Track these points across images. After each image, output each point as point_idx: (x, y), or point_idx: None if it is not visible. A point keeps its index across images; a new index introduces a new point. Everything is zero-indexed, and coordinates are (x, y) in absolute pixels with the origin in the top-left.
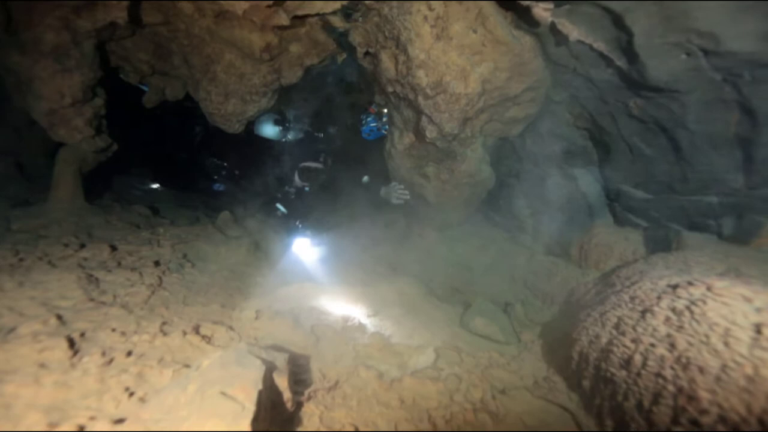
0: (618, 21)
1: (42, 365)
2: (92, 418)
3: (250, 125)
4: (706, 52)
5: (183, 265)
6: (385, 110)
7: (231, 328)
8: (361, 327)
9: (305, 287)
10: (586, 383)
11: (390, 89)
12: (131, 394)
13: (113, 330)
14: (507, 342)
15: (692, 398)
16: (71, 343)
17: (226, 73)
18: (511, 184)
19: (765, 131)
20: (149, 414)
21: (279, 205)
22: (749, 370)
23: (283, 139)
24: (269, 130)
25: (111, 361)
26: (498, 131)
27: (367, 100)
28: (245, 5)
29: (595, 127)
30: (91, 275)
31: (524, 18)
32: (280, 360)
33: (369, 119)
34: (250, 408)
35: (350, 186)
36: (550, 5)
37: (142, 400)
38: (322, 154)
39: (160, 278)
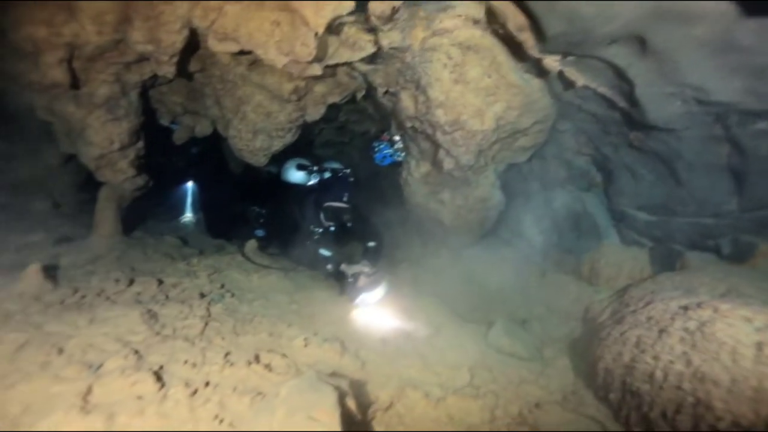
0: (620, 73)
1: (139, 397)
2: None
3: (279, 172)
4: (698, 101)
5: (224, 295)
6: (397, 137)
7: (285, 355)
8: (398, 349)
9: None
10: (612, 396)
11: (408, 124)
12: (221, 421)
13: (185, 362)
14: (531, 359)
15: (709, 407)
16: (157, 376)
17: (255, 112)
18: (519, 205)
19: (752, 162)
20: None
21: (322, 250)
22: (754, 382)
23: (308, 183)
24: (295, 176)
25: (195, 392)
26: (507, 158)
27: (379, 128)
28: (285, 60)
29: (598, 155)
30: (150, 310)
31: (534, 65)
32: (344, 385)
33: (382, 146)
34: (337, 428)
35: (372, 219)
36: (558, 57)
37: (232, 425)
38: (346, 193)
39: (207, 309)
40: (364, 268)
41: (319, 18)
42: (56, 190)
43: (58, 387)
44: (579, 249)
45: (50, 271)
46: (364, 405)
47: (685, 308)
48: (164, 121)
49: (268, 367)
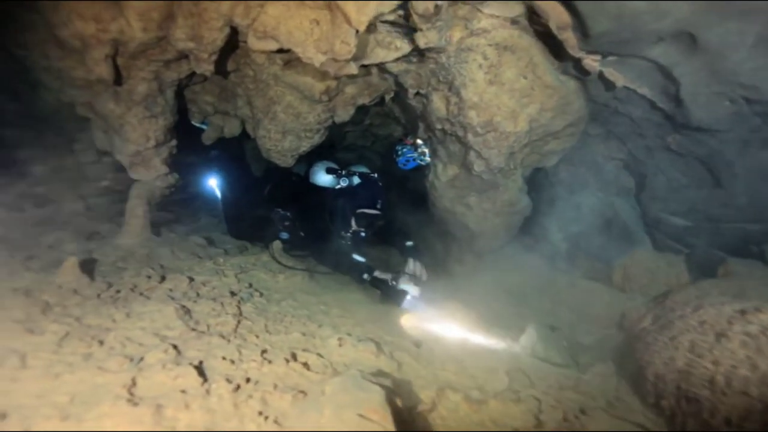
0: (665, 72)
1: (183, 391)
2: None
3: (307, 174)
4: (748, 101)
5: (252, 294)
6: (420, 141)
7: (320, 355)
8: (432, 352)
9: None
10: (665, 403)
11: (438, 126)
12: (266, 418)
13: (223, 358)
14: (566, 365)
15: None
16: (198, 371)
17: (285, 112)
18: (545, 210)
19: None
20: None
21: (356, 255)
22: None
23: (337, 186)
24: (323, 179)
25: (238, 387)
26: (535, 162)
27: (403, 132)
28: (323, 58)
29: (630, 159)
30: (183, 306)
31: (573, 66)
32: (387, 384)
33: (405, 150)
34: (391, 428)
35: (399, 222)
36: (599, 57)
37: (277, 422)
38: (379, 200)
39: (238, 307)
40: (408, 271)
41: (361, 15)
42: (86, 188)
43: (102, 378)
44: (609, 255)
45: (86, 266)
46: (408, 406)
47: (743, 312)
48: (195, 121)
49: (306, 365)
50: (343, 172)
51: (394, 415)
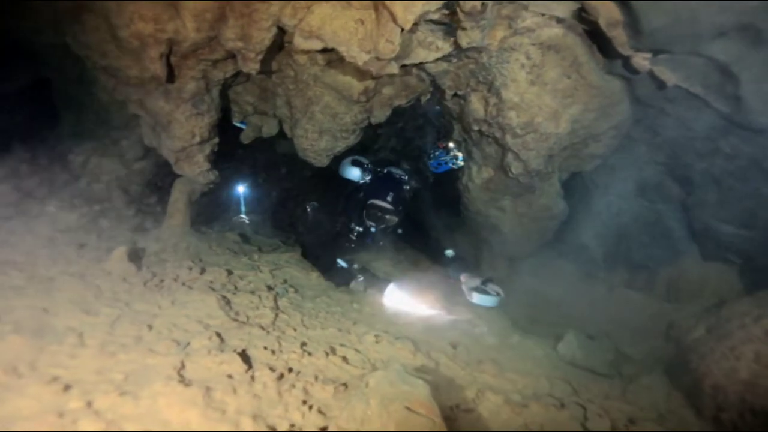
0: (723, 69)
1: (229, 376)
2: (293, 425)
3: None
4: None
5: (287, 290)
6: (451, 144)
7: (357, 350)
8: (469, 353)
9: (403, 315)
10: (726, 416)
11: (475, 128)
12: (310, 407)
13: (264, 348)
14: (609, 375)
15: None
16: (243, 357)
17: (322, 113)
18: (580, 217)
19: None
20: (346, 423)
21: (340, 261)
22: None
23: (362, 181)
24: (350, 172)
25: (281, 377)
26: (574, 166)
27: (436, 136)
28: (366, 57)
29: (677, 164)
30: (224, 297)
31: (620, 65)
32: (429, 381)
33: (438, 153)
34: (441, 423)
35: (419, 236)
36: (650, 55)
37: (321, 412)
38: (391, 192)
39: (275, 302)
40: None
41: (408, 14)
42: (133, 184)
43: (153, 359)
44: (652, 264)
45: (133, 256)
46: (449, 405)
47: None
48: (235, 121)
49: (345, 359)
50: (369, 165)
51: (441, 410)
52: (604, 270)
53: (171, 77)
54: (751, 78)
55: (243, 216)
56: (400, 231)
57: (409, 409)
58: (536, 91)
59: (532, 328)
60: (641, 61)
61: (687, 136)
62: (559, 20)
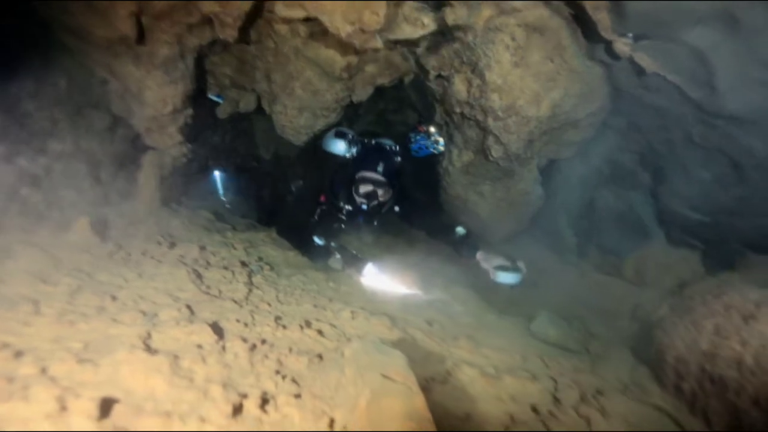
0: (700, 57)
1: (198, 346)
2: (266, 393)
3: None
4: None
5: (262, 267)
6: (432, 129)
7: (333, 325)
8: (444, 330)
9: (380, 294)
10: (686, 385)
11: (458, 110)
12: (283, 377)
13: (237, 321)
14: (579, 351)
15: None
16: (213, 328)
17: (303, 89)
18: (555, 203)
19: None
20: (320, 391)
21: (316, 237)
22: None
23: (347, 154)
24: (334, 145)
25: (253, 347)
26: (552, 153)
27: (416, 119)
28: (350, 29)
29: (649, 152)
30: (195, 270)
31: (602, 50)
32: (406, 353)
33: (419, 137)
34: (417, 390)
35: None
36: (631, 40)
37: (295, 381)
38: (381, 162)
39: (249, 277)
40: (496, 259)
41: None
42: (99, 155)
43: (116, 329)
44: (621, 250)
45: (97, 228)
46: (425, 376)
47: None
48: (211, 94)
49: (320, 332)
50: (355, 137)
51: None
52: (577, 255)
53: (142, 39)
54: (725, 66)
55: (222, 198)
56: (397, 208)
57: (384, 376)
58: (519, 74)
59: (508, 309)
60: (623, 46)
61: (660, 125)
62: (546, 1)
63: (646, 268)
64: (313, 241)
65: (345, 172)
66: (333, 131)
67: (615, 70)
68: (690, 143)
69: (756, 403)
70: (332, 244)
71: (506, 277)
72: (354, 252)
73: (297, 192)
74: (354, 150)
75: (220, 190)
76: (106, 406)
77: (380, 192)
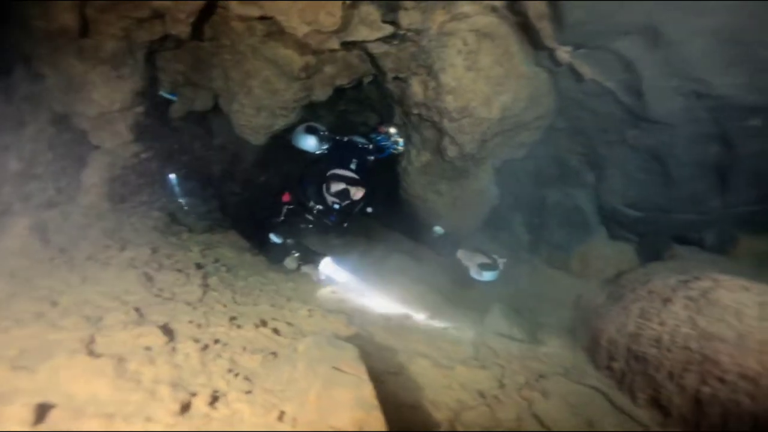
0: (629, 66)
1: (147, 348)
2: (217, 390)
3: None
4: (698, 95)
5: (219, 269)
6: (393, 129)
7: (290, 323)
8: (402, 326)
9: (339, 293)
10: (616, 365)
11: (415, 111)
12: (236, 375)
13: (189, 322)
14: (527, 340)
15: (716, 362)
16: (163, 330)
17: (261, 88)
18: (510, 202)
19: (739, 160)
20: (272, 386)
21: (273, 235)
22: (759, 336)
23: (318, 151)
24: (304, 142)
25: (206, 347)
26: (505, 154)
27: (377, 120)
28: (306, 29)
29: (592, 153)
30: (146, 273)
31: (546, 57)
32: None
33: (379, 138)
34: (367, 379)
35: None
36: (571, 48)
37: (248, 379)
38: (354, 159)
39: (204, 279)
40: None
41: None
42: (38, 154)
43: (56, 335)
44: (569, 245)
45: (37, 232)
46: (380, 369)
47: (685, 281)
48: (164, 92)
49: (275, 331)
50: (325, 133)
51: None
52: (528, 250)
53: (85, 32)
54: (650, 75)
55: (180, 199)
56: (369, 210)
57: (335, 368)
58: (472, 77)
59: (463, 303)
60: (564, 54)
61: (600, 128)
62: (494, 9)
63: (590, 260)
64: (269, 239)
65: (315, 169)
66: (303, 126)
67: (559, 77)
68: (625, 145)
69: (671, 376)
70: (288, 240)
71: (488, 275)
72: (312, 248)
73: (257, 190)
74: (325, 147)
75: (176, 191)
76: (41, 412)
77: (353, 191)
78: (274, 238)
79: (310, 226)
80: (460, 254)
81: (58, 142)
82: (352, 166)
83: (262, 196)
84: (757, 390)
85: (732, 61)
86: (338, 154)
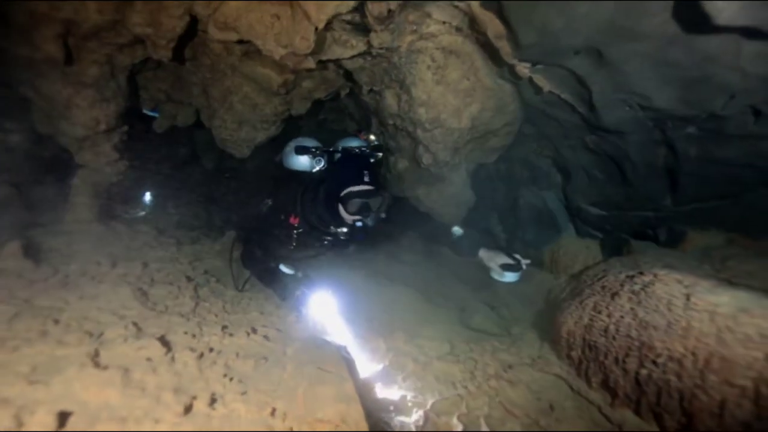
0: (581, 80)
1: (148, 359)
2: (214, 393)
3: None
4: (642, 107)
5: (209, 280)
6: (372, 137)
7: (279, 330)
8: (383, 324)
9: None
10: (574, 354)
11: (390, 122)
12: (231, 379)
13: (185, 333)
14: (501, 334)
15: (651, 347)
16: (162, 342)
17: (241, 103)
18: (486, 203)
19: (682, 163)
20: (264, 386)
21: (283, 267)
22: (684, 324)
23: (314, 170)
24: (296, 162)
25: (201, 355)
26: (478, 158)
27: (357, 128)
28: (282, 52)
29: (558, 156)
30: (140, 288)
31: (507, 72)
32: (340, 347)
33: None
34: (348, 378)
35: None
36: (529, 65)
37: (242, 381)
38: (365, 171)
39: (195, 291)
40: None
41: (321, 14)
42: (23, 175)
43: (62, 351)
44: (540, 243)
45: (29, 252)
46: (362, 365)
47: (631, 276)
48: (146, 109)
49: (266, 337)
50: (317, 150)
51: (349, 368)
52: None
53: (70, 60)
54: (598, 90)
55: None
56: (383, 215)
57: (320, 368)
58: (441, 90)
59: (443, 302)
60: (522, 69)
61: (562, 134)
62: (458, 29)
63: (559, 257)
64: (280, 272)
65: (320, 191)
66: (292, 147)
67: (522, 88)
68: (586, 149)
69: (616, 361)
70: (299, 273)
71: (510, 276)
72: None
73: (266, 213)
74: (322, 163)
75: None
76: (62, 418)
77: (372, 203)
78: (284, 269)
79: (325, 243)
80: (482, 254)
81: (44, 163)
82: (366, 179)
83: (272, 218)
84: (681, 370)
85: (664, 80)
86: (341, 170)
